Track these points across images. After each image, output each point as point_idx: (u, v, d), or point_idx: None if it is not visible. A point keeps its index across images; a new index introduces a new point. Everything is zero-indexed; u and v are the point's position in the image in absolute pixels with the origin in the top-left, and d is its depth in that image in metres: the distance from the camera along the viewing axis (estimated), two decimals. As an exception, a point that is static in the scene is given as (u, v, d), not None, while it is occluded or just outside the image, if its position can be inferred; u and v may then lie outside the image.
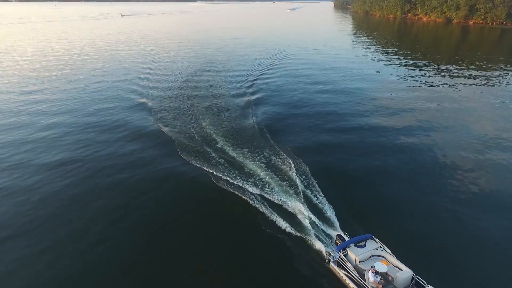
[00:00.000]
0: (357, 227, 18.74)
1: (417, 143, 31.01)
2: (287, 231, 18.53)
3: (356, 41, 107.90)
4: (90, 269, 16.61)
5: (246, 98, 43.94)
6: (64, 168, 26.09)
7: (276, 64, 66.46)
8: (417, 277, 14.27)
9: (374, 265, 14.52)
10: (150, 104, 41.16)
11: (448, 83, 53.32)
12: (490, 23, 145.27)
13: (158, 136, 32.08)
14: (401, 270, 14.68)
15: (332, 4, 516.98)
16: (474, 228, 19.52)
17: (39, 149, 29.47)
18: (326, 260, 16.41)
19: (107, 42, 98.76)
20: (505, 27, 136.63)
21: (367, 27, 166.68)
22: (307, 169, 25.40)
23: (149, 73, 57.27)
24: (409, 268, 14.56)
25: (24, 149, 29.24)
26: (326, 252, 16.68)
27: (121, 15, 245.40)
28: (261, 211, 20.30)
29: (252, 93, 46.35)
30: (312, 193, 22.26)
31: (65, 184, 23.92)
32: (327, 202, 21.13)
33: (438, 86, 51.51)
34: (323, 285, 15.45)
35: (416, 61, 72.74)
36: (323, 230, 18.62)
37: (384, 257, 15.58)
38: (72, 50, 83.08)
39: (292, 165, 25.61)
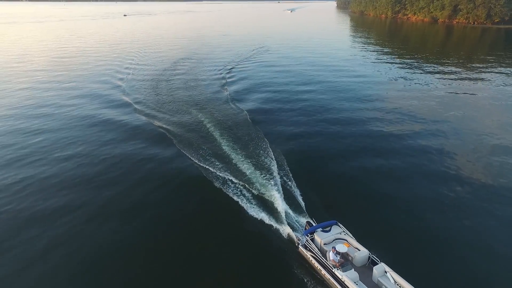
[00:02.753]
0: (325, 214, 20.40)
1: (386, 133, 33.17)
2: (263, 219, 20.02)
3: (348, 39, 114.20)
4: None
5: (229, 87, 49.45)
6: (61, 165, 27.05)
7: (256, 57, 75.02)
8: (372, 256, 16.08)
9: (335, 246, 16.23)
10: (128, 93, 46.30)
11: (433, 76, 57.60)
12: (472, 23, 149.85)
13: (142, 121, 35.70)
14: (359, 250, 16.37)
15: (334, 4, 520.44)
16: (421, 210, 21.71)
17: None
18: (296, 244, 18.00)
19: (108, 40, 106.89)
20: (485, 27, 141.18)
21: (360, 25, 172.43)
22: (285, 160, 26.94)
23: (129, 68, 63.81)
24: (366, 248, 16.39)
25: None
26: (296, 237, 18.27)
27: (124, 15, 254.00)
28: (237, 200, 21.77)
29: (236, 81, 52.73)
30: (286, 183, 23.75)
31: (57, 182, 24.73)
32: (300, 192, 22.86)
33: (423, 78, 55.59)
34: (293, 266, 17.14)
35: (402, 55, 78.95)
36: (295, 218, 20.30)
37: (346, 240, 17.23)
38: (67, 50, 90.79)
39: (272, 154, 27.29)
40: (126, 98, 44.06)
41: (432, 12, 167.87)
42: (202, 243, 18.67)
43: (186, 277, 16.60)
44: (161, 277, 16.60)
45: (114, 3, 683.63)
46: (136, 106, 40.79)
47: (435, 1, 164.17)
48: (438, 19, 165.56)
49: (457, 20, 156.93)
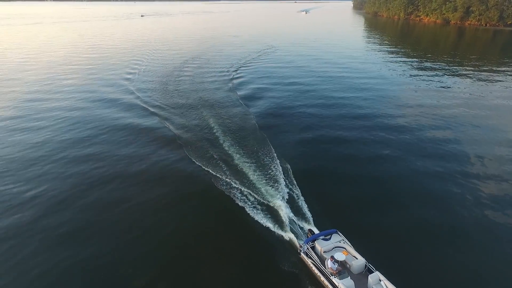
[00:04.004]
0: (327, 223, 21.11)
1: (401, 144, 32.25)
2: (268, 226, 20.79)
3: (361, 40, 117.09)
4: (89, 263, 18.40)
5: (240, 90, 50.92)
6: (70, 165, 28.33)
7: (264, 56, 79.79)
8: (369, 265, 16.81)
9: (333, 254, 16.93)
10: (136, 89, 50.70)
11: (444, 78, 59.33)
12: (484, 25, 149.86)
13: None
14: (357, 258, 17.03)
15: (351, 4, 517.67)
16: (419, 221, 21.90)
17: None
18: (298, 251, 18.78)
19: (127, 40, 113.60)
20: (497, 29, 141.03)
21: (373, 26, 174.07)
22: (289, 167, 27.24)
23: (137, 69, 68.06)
24: (363, 257, 17.06)
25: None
26: (299, 244, 19.03)
27: (141, 15, 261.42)
28: (245, 208, 22.36)
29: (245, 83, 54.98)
30: (292, 191, 24.31)
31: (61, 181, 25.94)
32: (304, 200, 23.45)
33: (431, 78, 57.90)
34: (295, 272, 17.95)
35: (415, 57, 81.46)
36: (299, 226, 21.08)
37: (345, 248, 17.83)
38: (83, 51, 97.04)
39: (277, 160, 27.79)
40: (141, 98, 46.07)
41: (444, 14, 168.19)
42: (204, 245, 19.59)
43: (188, 280, 17.32)
44: (161, 280, 17.30)
45: (132, 3, 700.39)
46: (153, 109, 41.80)
47: (447, 2, 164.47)
48: (450, 20, 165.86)
49: (469, 22, 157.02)
